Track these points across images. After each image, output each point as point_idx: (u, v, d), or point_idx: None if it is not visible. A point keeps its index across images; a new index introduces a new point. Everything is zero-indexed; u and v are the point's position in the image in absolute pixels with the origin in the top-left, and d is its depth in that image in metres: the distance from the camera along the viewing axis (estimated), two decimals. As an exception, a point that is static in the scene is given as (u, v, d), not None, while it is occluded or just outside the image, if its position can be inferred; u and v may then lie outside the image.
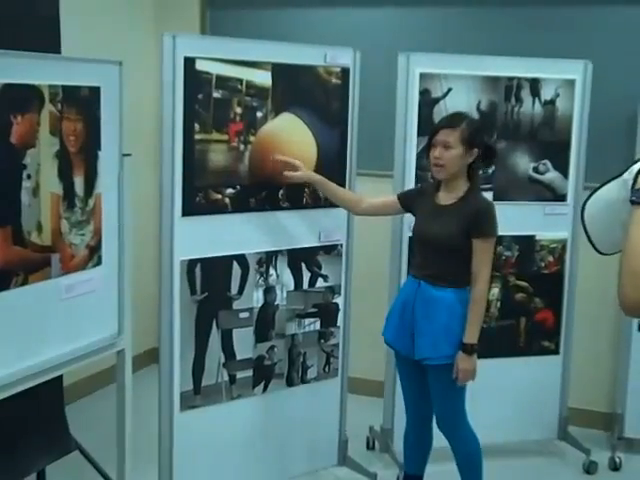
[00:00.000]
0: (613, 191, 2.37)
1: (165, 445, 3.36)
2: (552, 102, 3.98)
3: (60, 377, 3.17)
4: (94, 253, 2.77)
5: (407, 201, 3.39)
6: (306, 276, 3.67)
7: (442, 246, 3.14)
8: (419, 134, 3.85)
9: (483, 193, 3.30)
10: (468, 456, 3.30)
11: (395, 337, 3.33)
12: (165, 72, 3.15)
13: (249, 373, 3.55)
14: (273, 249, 3.54)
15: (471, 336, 3.10)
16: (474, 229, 3.09)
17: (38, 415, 3.20)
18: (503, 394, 4.04)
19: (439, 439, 3.39)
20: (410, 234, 3.86)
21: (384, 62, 4.03)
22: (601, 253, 2.54)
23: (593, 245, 2.45)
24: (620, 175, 2.42)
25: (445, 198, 3.21)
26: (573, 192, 4.07)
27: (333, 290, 3.76)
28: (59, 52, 3.12)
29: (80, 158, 2.66)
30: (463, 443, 3.28)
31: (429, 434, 3.42)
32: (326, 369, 3.81)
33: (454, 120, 3.17)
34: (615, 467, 4.10)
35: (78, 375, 4.29)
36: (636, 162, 2.07)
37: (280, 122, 3.47)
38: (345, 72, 3.62)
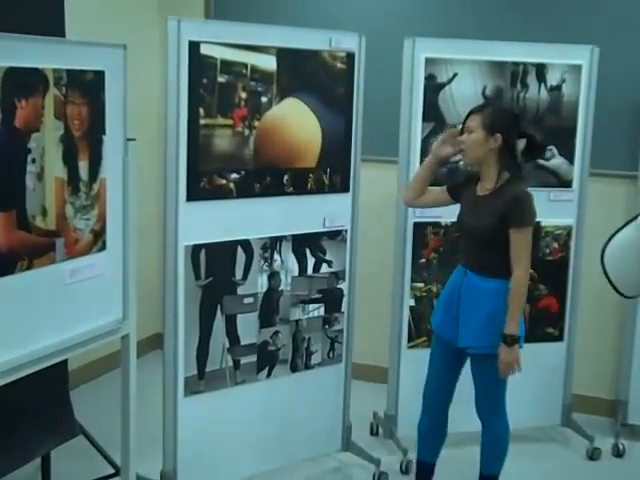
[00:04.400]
0: (631, 234, 2.36)
1: (169, 430, 3.37)
2: (558, 88, 3.96)
3: (65, 362, 3.18)
4: (98, 238, 2.77)
5: (455, 191, 3.36)
6: (310, 261, 3.66)
7: (480, 237, 3.14)
8: (424, 119, 3.84)
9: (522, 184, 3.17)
10: (495, 444, 3.31)
11: (440, 323, 3.33)
12: (170, 56, 3.13)
13: (253, 358, 3.55)
14: (277, 234, 3.54)
15: (511, 327, 3.07)
16: (508, 219, 3.06)
17: (43, 399, 3.21)
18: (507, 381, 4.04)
19: (451, 425, 3.41)
20: (415, 220, 3.88)
21: (389, 47, 4.01)
22: (624, 296, 2.52)
23: (615, 288, 2.42)
24: (635, 219, 2.41)
25: (481, 188, 3.20)
26: (578, 178, 4.06)
27: (337, 276, 3.76)
28: (64, 36, 3.12)
29: (84, 142, 2.66)
30: (495, 431, 3.29)
31: (445, 422, 3.41)
32: (330, 355, 3.81)
33: (482, 106, 3.18)
34: (618, 454, 4.11)
35: (83, 360, 4.30)
36: None
37: (285, 107, 3.45)
38: (350, 57, 3.60)
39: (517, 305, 3.09)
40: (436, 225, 3.94)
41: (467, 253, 3.26)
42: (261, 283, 3.52)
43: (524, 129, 3.21)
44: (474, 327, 3.15)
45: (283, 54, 3.39)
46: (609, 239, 2.32)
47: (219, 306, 3.42)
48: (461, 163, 3.67)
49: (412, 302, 4.00)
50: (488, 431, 3.30)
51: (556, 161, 4.02)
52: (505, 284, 3.11)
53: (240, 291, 3.47)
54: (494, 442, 3.31)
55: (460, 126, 3.25)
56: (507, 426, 3.30)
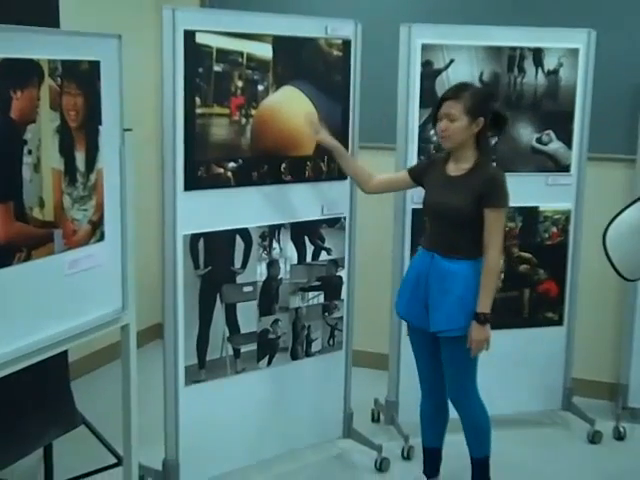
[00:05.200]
0: (634, 215, 2.34)
1: (171, 419, 3.38)
2: (555, 72, 3.95)
3: (65, 352, 3.18)
4: (96, 228, 2.76)
5: (417, 174, 3.37)
6: (309, 249, 3.67)
7: (453, 217, 3.14)
8: (421, 106, 3.84)
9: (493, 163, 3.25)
10: (476, 427, 3.30)
11: (408, 309, 3.32)
12: (165, 46, 3.13)
13: (253, 347, 3.56)
14: (276, 223, 3.54)
15: (484, 306, 3.10)
16: (485, 199, 3.08)
17: (44, 390, 3.21)
18: (507, 365, 4.05)
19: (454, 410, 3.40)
20: (414, 206, 3.88)
21: (386, 34, 4.00)
22: (626, 279, 2.50)
23: (617, 271, 2.40)
24: (637, 200, 2.39)
25: (454, 169, 3.20)
26: (577, 162, 4.06)
27: (337, 263, 3.76)
28: (58, 26, 3.10)
29: (81, 133, 2.65)
30: (472, 414, 3.29)
31: (445, 406, 3.40)
32: (330, 342, 3.81)
33: (457, 91, 3.14)
34: (619, 437, 4.12)
35: (84, 351, 4.32)
36: None
37: (281, 95, 3.45)
38: (346, 44, 3.60)
39: (491, 284, 3.11)
40: (435, 211, 3.94)
41: (436, 236, 3.24)
42: (260, 271, 3.53)
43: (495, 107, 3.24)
44: (446, 310, 3.15)
45: (279, 42, 3.39)
46: (611, 221, 2.30)
47: (218, 295, 3.43)
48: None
49: (411, 288, 4.00)
50: (466, 416, 3.30)
51: (554, 145, 4.02)
52: (475, 265, 3.13)
53: (239, 280, 3.47)
54: (475, 426, 3.31)
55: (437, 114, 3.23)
56: (483, 406, 3.28)
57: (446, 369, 3.26)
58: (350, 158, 3.52)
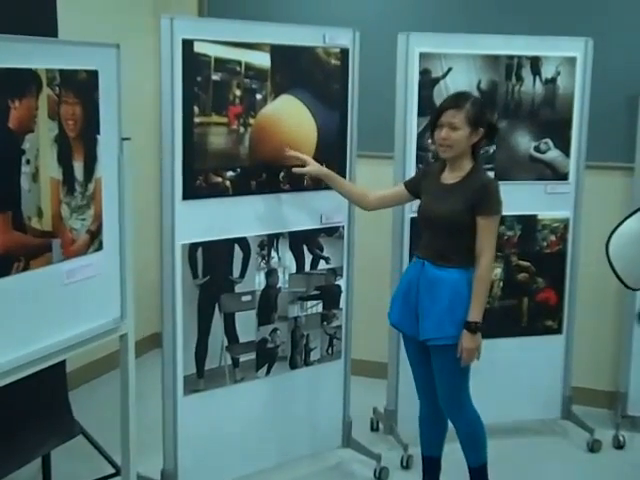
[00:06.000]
0: (636, 225, 2.34)
1: (169, 429, 3.36)
2: (553, 80, 3.96)
3: (63, 362, 3.17)
4: (95, 238, 2.76)
5: (414, 187, 3.37)
6: (308, 258, 3.66)
7: (447, 225, 3.13)
8: (419, 114, 3.84)
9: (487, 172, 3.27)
10: (472, 436, 3.29)
11: (400, 318, 3.32)
12: (163, 55, 3.12)
13: (252, 356, 3.55)
14: (274, 232, 3.53)
15: (475, 314, 3.09)
16: (478, 206, 3.08)
17: (42, 400, 3.21)
18: (506, 374, 4.04)
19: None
20: (412, 215, 3.87)
21: (384, 42, 4.00)
22: (630, 288, 2.50)
23: (622, 281, 2.41)
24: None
25: (450, 177, 3.20)
26: (575, 171, 4.06)
27: (335, 272, 3.75)
28: (56, 36, 3.11)
29: (79, 142, 2.65)
30: (466, 423, 3.28)
31: (443, 415, 3.38)
32: (329, 351, 3.81)
33: (459, 100, 3.14)
34: (619, 445, 4.12)
35: (82, 361, 4.31)
36: None
37: (280, 104, 3.45)
38: (344, 53, 3.60)
39: (482, 292, 3.11)
40: (433, 220, 3.93)
41: (429, 244, 3.23)
42: (259, 281, 3.52)
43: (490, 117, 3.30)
44: (435, 318, 3.14)
45: (277, 51, 3.39)
46: (614, 230, 2.30)
47: (217, 304, 3.42)
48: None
49: (410, 297, 3.99)
50: (461, 427, 3.29)
51: (552, 154, 4.02)
52: (465, 273, 3.12)
53: (238, 289, 3.46)
54: (470, 435, 3.30)
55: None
56: (476, 414, 3.27)
57: (437, 378, 3.25)
58: (342, 180, 3.52)
